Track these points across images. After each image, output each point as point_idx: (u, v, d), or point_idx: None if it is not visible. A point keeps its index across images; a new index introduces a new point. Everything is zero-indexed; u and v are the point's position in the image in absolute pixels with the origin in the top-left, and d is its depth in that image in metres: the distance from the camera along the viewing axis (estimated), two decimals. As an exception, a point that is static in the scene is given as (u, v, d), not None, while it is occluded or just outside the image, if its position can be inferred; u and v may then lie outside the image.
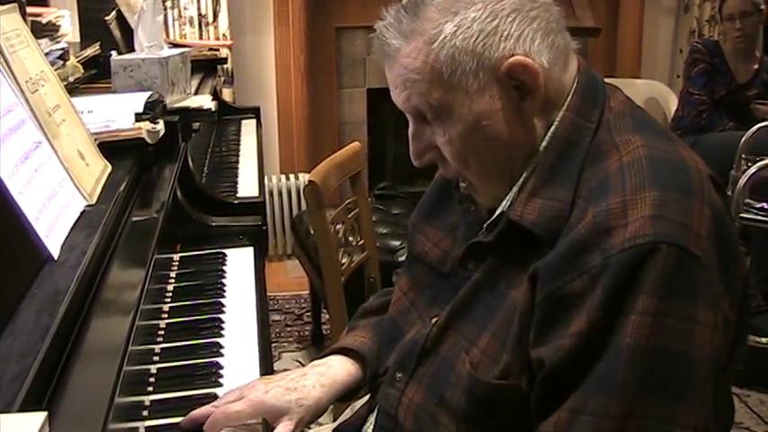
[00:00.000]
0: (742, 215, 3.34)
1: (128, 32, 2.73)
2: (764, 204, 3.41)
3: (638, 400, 1.05)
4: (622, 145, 1.18)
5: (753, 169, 3.25)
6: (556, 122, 1.24)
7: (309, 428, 1.44)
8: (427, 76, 1.20)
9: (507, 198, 1.27)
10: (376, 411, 1.41)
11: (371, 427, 1.42)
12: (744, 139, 3.61)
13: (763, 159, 3.28)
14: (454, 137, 1.22)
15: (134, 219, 1.54)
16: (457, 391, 1.24)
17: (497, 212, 1.28)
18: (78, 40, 2.94)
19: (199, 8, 4.71)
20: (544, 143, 1.24)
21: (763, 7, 4.40)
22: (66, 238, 1.25)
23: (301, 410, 1.38)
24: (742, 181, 3.22)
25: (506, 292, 1.22)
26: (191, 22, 4.71)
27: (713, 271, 1.10)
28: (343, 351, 1.51)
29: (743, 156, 3.58)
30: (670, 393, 1.06)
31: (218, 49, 3.88)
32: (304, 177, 4.59)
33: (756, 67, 4.50)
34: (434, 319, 1.33)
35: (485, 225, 1.31)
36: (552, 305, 1.12)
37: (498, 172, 1.26)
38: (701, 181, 1.15)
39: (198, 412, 1.33)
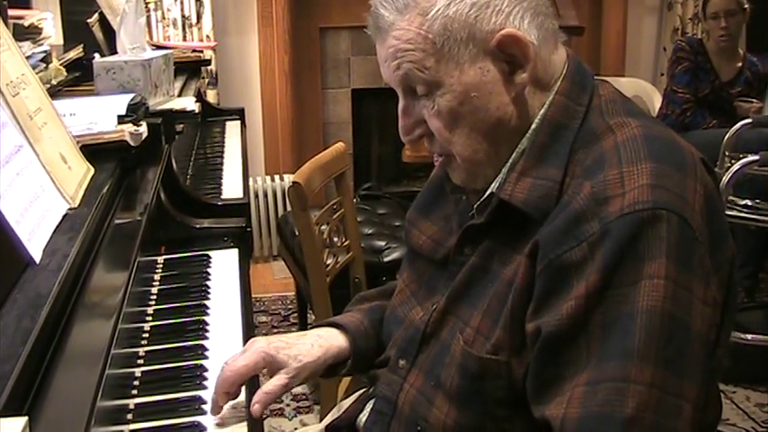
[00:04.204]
0: (725, 212, 3.34)
1: (111, 34, 2.71)
2: (748, 201, 3.42)
3: (656, 366, 1.05)
4: (617, 127, 1.21)
5: (736, 167, 3.26)
6: (546, 105, 1.26)
7: (296, 430, 1.45)
8: (420, 46, 1.22)
9: (497, 179, 1.29)
10: (374, 400, 1.43)
11: (367, 415, 1.44)
12: (727, 136, 3.62)
13: (746, 157, 3.30)
14: (443, 108, 1.24)
15: (117, 221, 1.53)
16: (451, 371, 1.26)
17: (487, 193, 1.30)
18: (61, 42, 2.93)
19: (182, 9, 4.70)
20: (534, 125, 1.26)
21: (746, 6, 4.42)
22: (49, 241, 1.25)
23: (299, 366, 1.42)
24: (725, 178, 3.23)
25: (499, 273, 1.25)
26: (174, 24, 4.70)
27: (705, 247, 1.12)
28: (333, 325, 1.55)
29: (726, 153, 3.59)
30: (677, 363, 1.07)
31: (201, 51, 3.86)
32: (289, 178, 4.58)
33: (740, 65, 4.52)
34: (434, 306, 1.35)
35: (474, 206, 1.33)
36: (552, 275, 1.14)
37: (483, 148, 1.27)
38: (693, 161, 1.18)
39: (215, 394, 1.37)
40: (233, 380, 1.36)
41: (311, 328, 1.57)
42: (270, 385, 1.39)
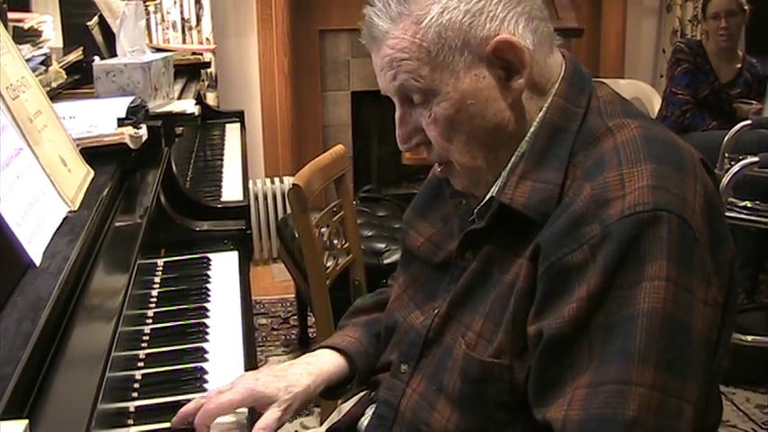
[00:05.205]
0: (725, 214, 3.34)
1: (110, 37, 2.72)
2: (747, 203, 3.42)
3: (657, 367, 1.05)
4: (616, 128, 1.21)
5: (735, 168, 3.26)
6: (545, 107, 1.26)
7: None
8: (414, 55, 1.22)
9: (497, 183, 1.28)
10: (375, 404, 1.42)
11: (368, 419, 1.43)
12: (727, 138, 3.62)
13: (745, 158, 3.30)
14: (439, 116, 1.24)
15: (117, 224, 1.53)
16: (453, 375, 1.26)
17: (487, 197, 1.30)
18: (61, 45, 2.93)
19: (182, 12, 4.70)
20: (532, 128, 1.26)
21: (746, 7, 4.42)
22: (49, 244, 1.25)
23: (290, 397, 1.38)
24: (725, 180, 3.23)
25: (500, 277, 1.25)
26: (174, 27, 4.70)
27: (705, 247, 1.12)
28: (331, 349, 1.52)
29: (726, 155, 3.59)
30: (678, 364, 1.07)
31: (201, 53, 3.87)
32: (288, 181, 4.57)
33: (739, 66, 4.52)
34: (436, 310, 1.35)
35: (475, 211, 1.33)
36: (553, 278, 1.13)
37: (482, 154, 1.27)
38: (693, 161, 1.18)
39: (187, 408, 1.33)
40: (215, 414, 1.32)
41: (312, 351, 1.54)
42: (264, 420, 1.35)
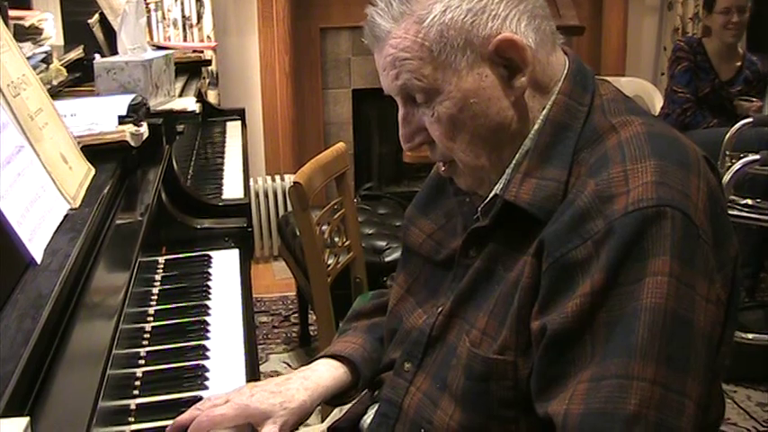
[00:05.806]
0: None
1: (111, 35, 2.72)
2: (748, 201, 3.42)
3: (659, 363, 1.05)
4: (620, 126, 1.21)
5: (737, 166, 3.26)
6: (548, 105, 1.26)
7: (297, 429, 1.43)
8: (417, 54, 1.22)
9: (501, 181, 1.28)
10: (379, 403, 1.42)
11: (370, 418, 1.43)
12: (727, 135, 3.62)
13: (746, 156, 3.30)
14: (442, 115, 1.24)
15: (118, 222, 1.53)
16: (457, 373, 1.25)
17: (491, 195, 1.30)
18: (62, 43, 2.93)
19: (183, 10, 4.70)
20: (536, 126, 1.26)
21: (749, 5, 4.41)
22: (50, 242, 1.25)
23: (285, 413, 1.37)
24: (726, 178, 3.23)
25: (504, 275, 1.25)
26: (174, 24, 4.70)
27: (708, 244, 1.12)
28: (333, 357, 1.51)
29: (727, 152, 3.59)
30: (680, 360, 1.07)
31: (202, 51, 3.86)
32: (289, 178, 4.57)
33: (739, 64, 4.51)
34: (440, 309, 1.34)
35: (479, 209, 1.33)
36: (557, 273, 1.14)
37: (485, 153, 1.27)
38: (697, 158, 1.18)
39: (183, 417, 1.32)
40: (207, 428, 1.31)
41: (312, 360, 1.52)
42: None
